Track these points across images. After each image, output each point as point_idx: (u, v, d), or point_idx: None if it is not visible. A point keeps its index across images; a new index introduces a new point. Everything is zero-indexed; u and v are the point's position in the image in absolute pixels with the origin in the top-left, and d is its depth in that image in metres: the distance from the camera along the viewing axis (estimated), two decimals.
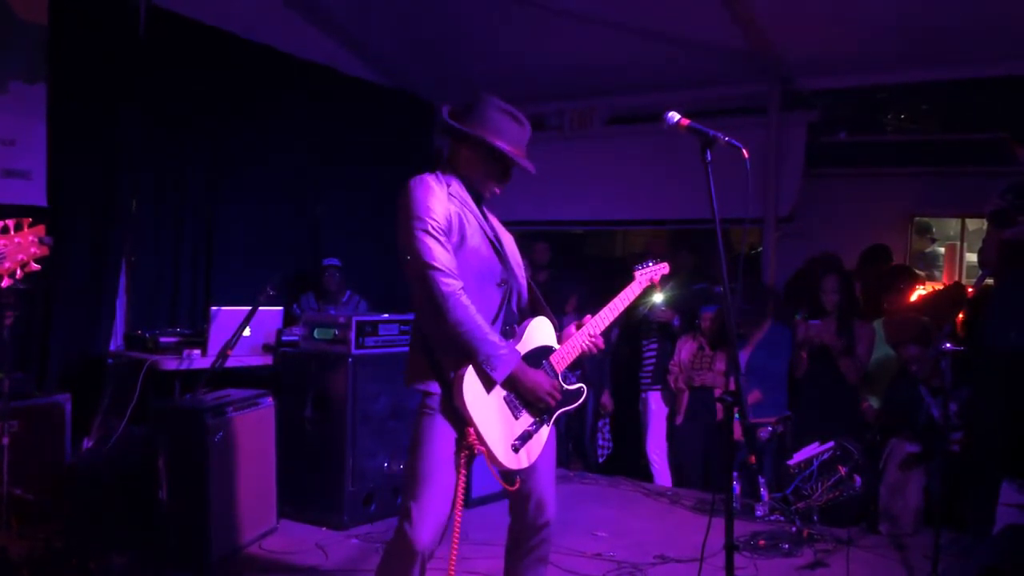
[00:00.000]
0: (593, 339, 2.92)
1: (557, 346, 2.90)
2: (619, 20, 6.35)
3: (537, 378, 2.73)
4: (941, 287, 6.77)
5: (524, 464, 2.75)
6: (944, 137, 8.05)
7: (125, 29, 5.82)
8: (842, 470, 4.92)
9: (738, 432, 3.60)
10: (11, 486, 4.39)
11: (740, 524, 4.67)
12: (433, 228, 2.67)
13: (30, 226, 2.25)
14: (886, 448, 5.04)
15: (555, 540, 4.46)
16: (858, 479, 4.90)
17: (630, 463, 6.38)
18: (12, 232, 2.20)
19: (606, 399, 6.42)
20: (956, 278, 8.04)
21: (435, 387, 2.74)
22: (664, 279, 3.31)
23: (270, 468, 4.60)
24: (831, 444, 5.03)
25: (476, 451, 2.64)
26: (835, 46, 6.32)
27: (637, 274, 3.19)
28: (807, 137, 7.17)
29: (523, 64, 7.15)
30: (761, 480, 5.17)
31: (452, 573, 2.73)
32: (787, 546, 4.52)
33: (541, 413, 2.78)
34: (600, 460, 6.47)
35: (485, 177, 2.86)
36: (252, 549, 4.37)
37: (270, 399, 4.63)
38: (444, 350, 2.70)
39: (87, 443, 5.17)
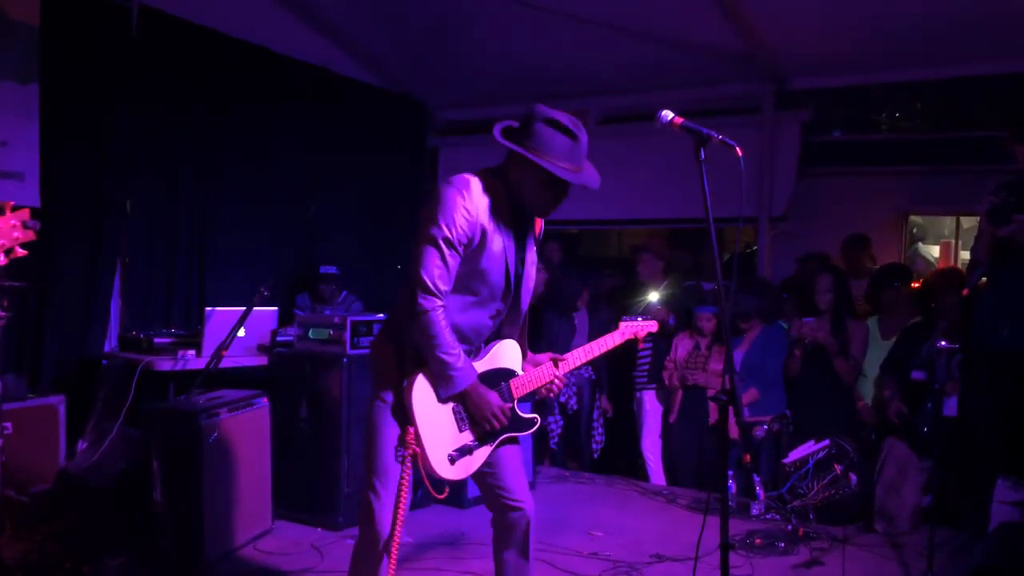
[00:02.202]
0: (557, 379, 2.96)
1: (520, 372, 2.93)
2: (613, 20, 6.35)
3: (488, 396, 2.75)
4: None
5: (457, 476, 2.77)
6: (938, 135, 8.07)
7: (117, 29, 5.81)
8: (838, 468, 4.93)
9: (734, 431, 3.61)
10: (5, 488, 4.38)
11: (736, 523, 4.68)
12: (445, 239, 2.63)
13: (13, 209, 2.17)
14: (884, 446, 5.05)
15: (551, 539, 4.49)
16: (854, 477, 4.91)
17: (625, 462, 6.37)
18: None
19: (604, 403, 6.40)
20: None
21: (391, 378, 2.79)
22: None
23: (265, 469, 4.59)
24: (826, 442, 5.03)
25: (411, 450, 2.66)
26: (828, 46, 6.33)
27: (623, 325, 3.26)
28: (801, 136, 7.18)
29: (517, 65, 7.15)
30: (757, 479, 5.18)
31: (392, 571, 2.75)
32: (783, 545, 4.52)
33: (485, 433, 2.80)
34: (595, 455, 6.46)
35: (539, 199, 2.78)
36: (247, 550, 4.36)
37: (265, 400, 4.61)
38: (410, 348, 2.73)
39: (81, 445, 5.15)
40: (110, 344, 5.78)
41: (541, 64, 7.13)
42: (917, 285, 6.19)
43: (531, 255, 2.91)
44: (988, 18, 5.63)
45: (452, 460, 2.74)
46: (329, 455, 4.74)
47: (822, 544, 4.55)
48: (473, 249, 2.68)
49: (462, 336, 2.76)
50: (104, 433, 4.86)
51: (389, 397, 2.78)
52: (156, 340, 5.29)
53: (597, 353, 3.10)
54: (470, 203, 2.65)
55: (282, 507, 4.76)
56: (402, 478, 2.72)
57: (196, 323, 5.73)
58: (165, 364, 5.08)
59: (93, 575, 3.87)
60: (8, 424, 4.55)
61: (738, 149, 2.52)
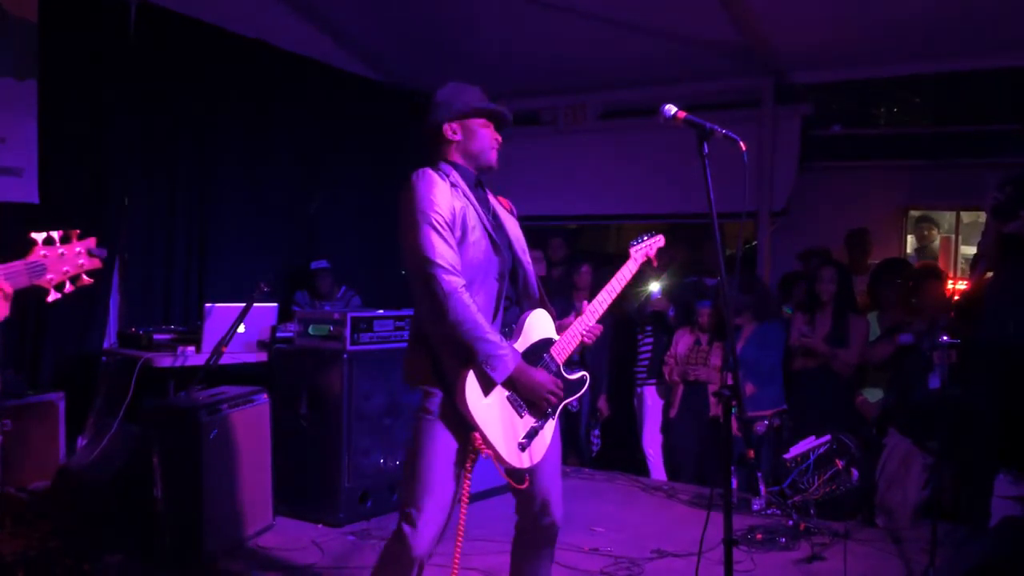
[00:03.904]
0: (591, 329, 2.89)
1: (556, 337, 2.87)
2: (612, 14, 6.33)
3: (538, 377, 2.69)
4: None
5: (532, 462, 2.73)
6: (938, 130, 8.05)
7: (115, 25, 5.80)
8: (839, 464, 4.92)
9: (735, 426, 3.58)
10: (5, 485, 4.37)
11: (737, 518, 4.63)
12: (437, 222, 2.62)
13: (79, 238, 2.20)
14: (888, 440, 5.04)
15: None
16: (855, 472, 4.90)
17: (626, 458, 6.37)
18: (58, 244, 2.15)
19: (602, 403, 6.38)
20: (952, 271, 8.03)
21: (435, 389, 2.70)
22: (661, 265, 3.24)
23: (266, 465, 4.58)
24: (827, 438, 5.02)
25: (483, 454, 2.61)
26: (828, 40, 6.32)
27: (632, 251, 3.14)
28: (801, 130, 7.17)
29: (516, 60, 7.14)
30: (758, 474, 5.17)
31: (456, 573, 2.71)
32: (784, 540, 4.52)
33: (544, 411, 2.75)
34: (592, 455, 6.46)
35: (479, 143, 2.83)
36: (248, 546, 4.35)
37: (265, 396, 4.60)
38: (445, 350, 2.66)
39: (81, 441, 5.15)
40: (109, 341, 5.77)
41: (540, 59, 7.12)
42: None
43: (501, 213, 2.93)
44: (988, 11, 5.62)
45: (523, 447, 2.69)
46: (330, 451, 4.74)
47: (823, 539, 4.54)
48: (458, 228, 2.69)
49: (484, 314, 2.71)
50: (104, 430, 4.85)
51: (434, 407, 2.69)
52: (155, 336, 5.28)
53: (620, 288, 3.01)
54: (439, 186, 2.69)
55: (283, 503, 4.75)
56: (461, 486, 2.66)
57: (196, 319, 5.71)
58: (165, 360, 5.07)
59: (93, 572, 3.86)
60: (8, 421, 4.55)
61: (742, 144, 2.51)
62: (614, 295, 2.99)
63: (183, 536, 4.01)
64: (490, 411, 2.63)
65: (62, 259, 2.15)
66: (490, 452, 2.61)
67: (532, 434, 2.72)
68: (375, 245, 7.80)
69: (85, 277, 2.20)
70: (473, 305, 2.60)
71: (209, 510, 4.05)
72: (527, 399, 2.71)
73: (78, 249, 2.18)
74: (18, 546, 4.05)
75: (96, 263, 2.21)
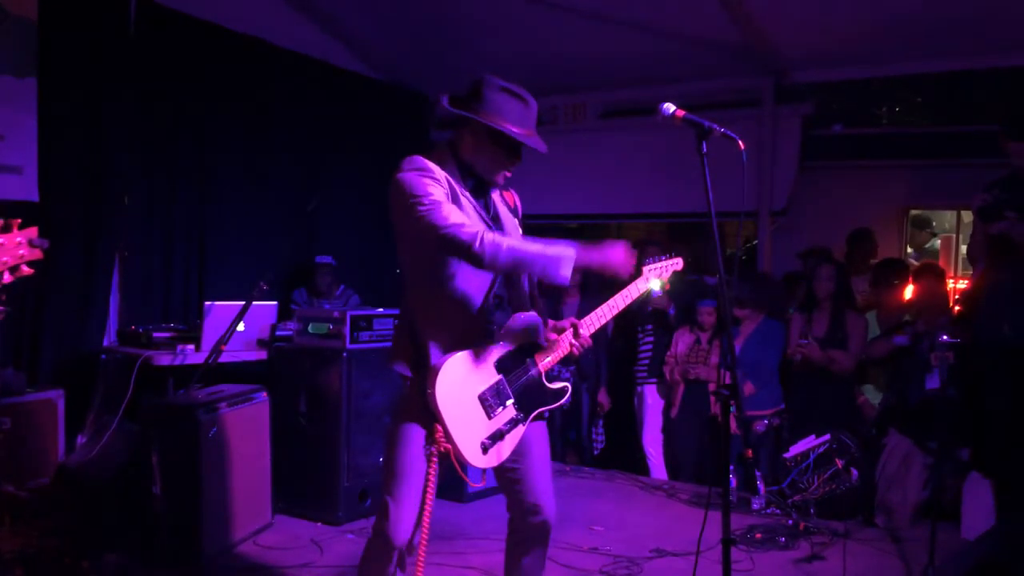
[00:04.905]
0: (581, 340, 2.83)
1: (543, 344, 2.83)
2: (613, 13, 6.33)
3: (606, 248, 2.61)
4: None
5: (492, 464, 2.70)
6: (938, 129, 8.05)
7: (115, 22, 5.79)
8: (839, 463, 4.92)
9: (734, 426, 3.57)
10: (4, 483, 4.37)
11: (736, 517, 4.67)
12: (437, 197, 2.57)
13: (21, 227, 2.16)
14: (888, 440, 5.04)
15: (551, 534, 4.48)
16: (855, 472, 4.90)
17: (626, 457, 6.37)
18: None
19: (603, 397, 6.37)
20: (952, 271, 8.04)
21: (411, 377, 2.71)
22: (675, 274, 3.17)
23: (265, 464, 4.58)
24: (827, 437, 5.03)
25: (442, 448, 2.58)
26: (829, 39, 6.32)
27: (645, 269, 3.05)
28: (801, 130, 7.17)
29: (516, 58, 7.13)
30: (757, 473, 5.17)
31: (420, 571, 2.68)
32: (783, 539, 4.52)
33: (519, 411, 2.71)
34: (595, 453, 6.46)
35: (491, 163, 2.73)
36: (247, 545, 4.36)
37: (264, 394, 4.61)
38: (429, 336, 2.64)
39: (80, 439, 5.14)
40: (109, 338, 5.76)
41: (541, 57, 7.11)
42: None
43: (502, 211, 2.86)
44: (989, 11, 5.61)
45: (485, 449, 2.65)
46: (329, 450, 4.74)
47: (822, 538, 4.54)
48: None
49: (467, 304, 2.66)
50: (103, 427, 4.85)
51: (410, 395, 2.71)
52: (155, 334, 5.27)
53: (623, 305, 2.93)
54: (430, 171, 2.63)
55: (281, 502, 4.76)
56: (427, 477, 2.64)
57: (195, 317, 5.71)
58: (164, 358, 5.07)
59: (92, 570, 3.86)
60: (7, 419, 4.55)
61: (740, 143, 2.51)
62: (615, 311, 2.93)
63: (182, 534, 4.01)
64: (458, 406, 2.61)
65: (1, 249, 2.11)
66: (449, 447, 2.58)
67: (497, 436, 2.69)
68: (375, 245, 7.80)
69: (25, 267, 2.15)
70: (499, 235, 2.56)
71: (208, 508, 4.05)
72: (601, 272, 2.63)
73: (19, 239, 2.13)
74: (17, 544, 4.05)
75: (37, 254, 2.17)
